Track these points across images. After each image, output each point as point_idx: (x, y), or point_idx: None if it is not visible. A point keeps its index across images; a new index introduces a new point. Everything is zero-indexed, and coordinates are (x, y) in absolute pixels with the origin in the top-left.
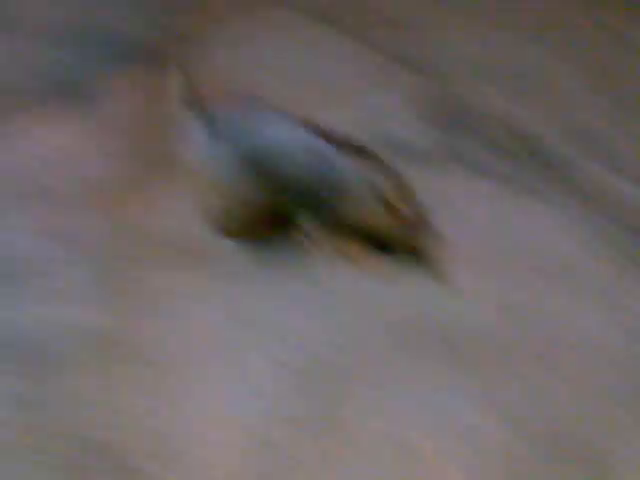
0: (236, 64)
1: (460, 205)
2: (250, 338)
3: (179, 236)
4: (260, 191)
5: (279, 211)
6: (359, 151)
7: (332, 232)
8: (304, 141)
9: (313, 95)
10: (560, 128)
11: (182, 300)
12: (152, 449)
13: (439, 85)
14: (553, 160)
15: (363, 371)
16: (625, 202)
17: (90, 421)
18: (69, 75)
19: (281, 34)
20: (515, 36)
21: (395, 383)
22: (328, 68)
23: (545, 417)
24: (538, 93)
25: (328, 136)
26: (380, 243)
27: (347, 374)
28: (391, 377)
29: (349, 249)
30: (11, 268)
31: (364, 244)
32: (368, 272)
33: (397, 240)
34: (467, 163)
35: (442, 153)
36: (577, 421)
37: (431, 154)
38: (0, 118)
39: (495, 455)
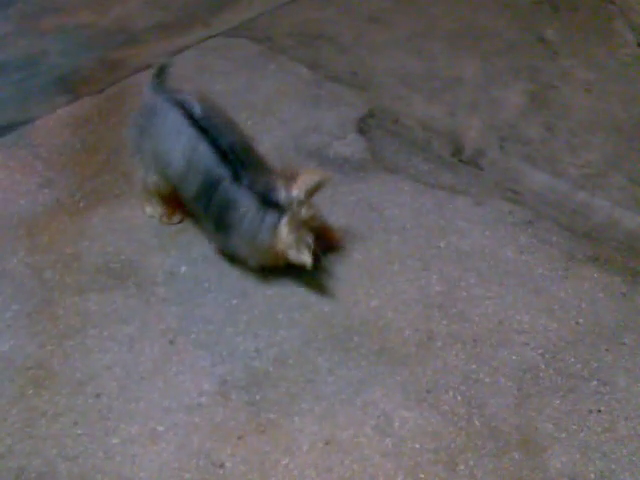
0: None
1: (383, 206)
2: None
3: (108, 260)
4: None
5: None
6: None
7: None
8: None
9: (254, 113)
10: (482, 128)
11: (114, 323)
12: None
13: (369, 98)
14: (476, 159)
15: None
16: (546, 196)
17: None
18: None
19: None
20: (442, 46)
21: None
22: (267, 87)
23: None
24: (461, 97)
25: (238, 155)
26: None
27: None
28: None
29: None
30: None
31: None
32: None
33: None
34: (391, 166)
35: (370, 160)
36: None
37: (360, 162)
38: None
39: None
